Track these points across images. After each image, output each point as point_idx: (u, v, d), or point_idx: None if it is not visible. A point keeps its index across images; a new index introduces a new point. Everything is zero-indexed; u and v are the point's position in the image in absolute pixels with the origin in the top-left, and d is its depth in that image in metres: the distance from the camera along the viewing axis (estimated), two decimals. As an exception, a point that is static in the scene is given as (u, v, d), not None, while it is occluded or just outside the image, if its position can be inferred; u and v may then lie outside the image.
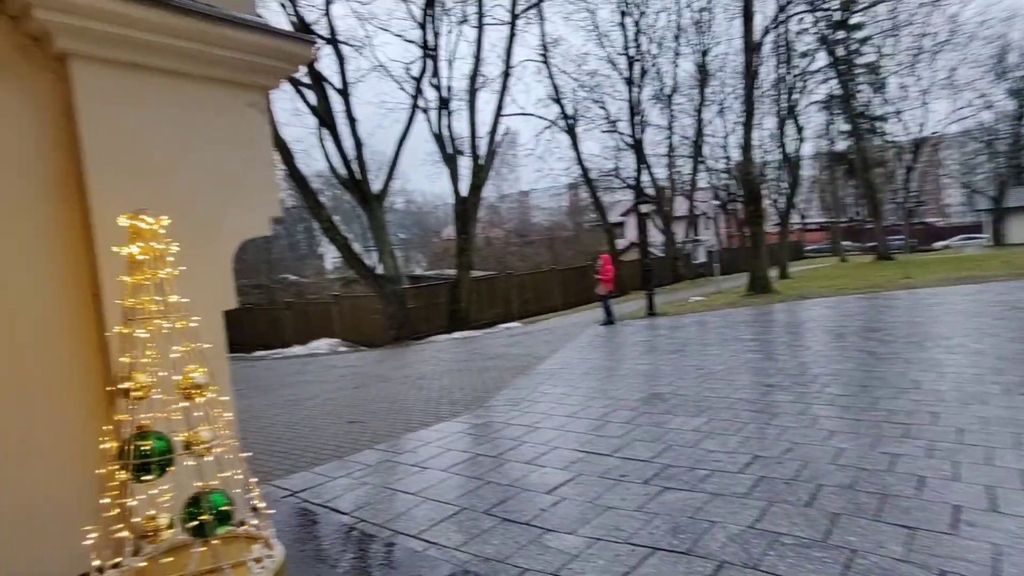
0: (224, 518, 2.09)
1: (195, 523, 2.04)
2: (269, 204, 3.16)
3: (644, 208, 15.43)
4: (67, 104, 2.48)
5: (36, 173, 2.44)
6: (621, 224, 40.15)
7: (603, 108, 26.87)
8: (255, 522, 2.33)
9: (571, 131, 25.67)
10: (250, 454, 2.33)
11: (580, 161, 26.14)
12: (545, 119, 25.64)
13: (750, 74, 16.72)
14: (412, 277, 28.43)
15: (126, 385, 2.02)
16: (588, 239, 36.43)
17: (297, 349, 17.69)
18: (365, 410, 6.78)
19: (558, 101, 25.06)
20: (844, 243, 40.19)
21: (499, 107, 18.11)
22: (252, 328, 21.22)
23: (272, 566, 2.14)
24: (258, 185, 3.11)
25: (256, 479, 2.26)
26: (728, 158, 29.60)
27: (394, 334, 16.53)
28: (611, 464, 3.96)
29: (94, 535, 1.96)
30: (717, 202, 31.29)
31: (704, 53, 27.03)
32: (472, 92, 17.85)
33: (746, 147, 17.22)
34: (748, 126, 16.99)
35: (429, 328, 17.58)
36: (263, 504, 2.26)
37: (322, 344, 17.64)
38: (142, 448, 1.99)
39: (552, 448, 4.46)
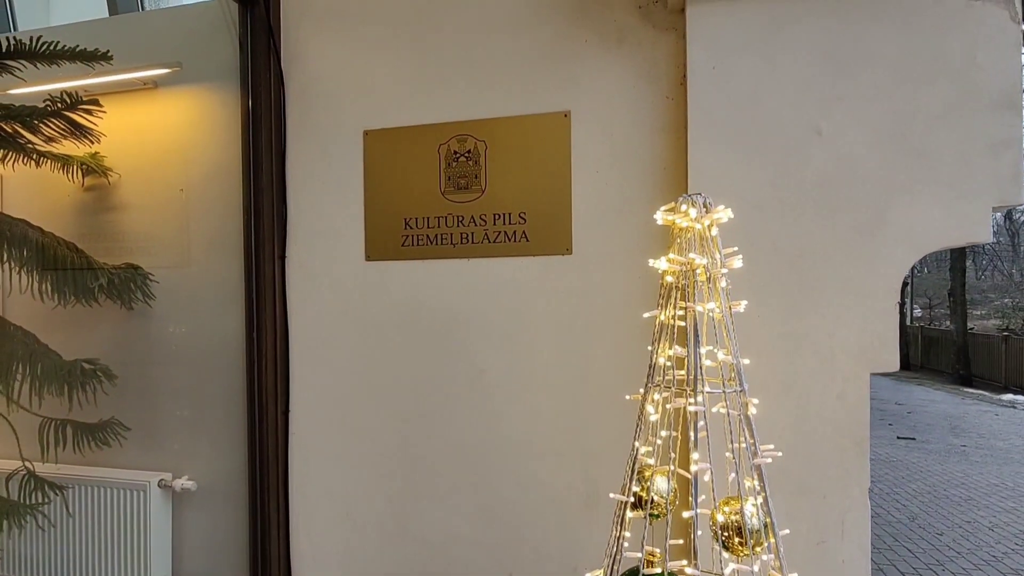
0: None
1: None
2: (999, 182, 1.66)
3: None
4: (684, 71, 1.88)
5: (645, 163, 1.95)
6: None
7: None
8: None
9: None
10: None
11: None
12: None
13: None
14: None
15: (635, 492, 1.22)
16: None
17: (1074, 404, 12.54)
18: None
19: None
20: None
21: None
22: (1008, 362, 16.66)
23: None
24: (975, 147, 1.66)
25: None
26: None
27: None
28: None
29: None
30: None
31: None
32: None
33: None
34: None
35: None
36: None
37: (1123, 407, 11.81)
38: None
39: None
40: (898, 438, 8.15)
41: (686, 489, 1.30)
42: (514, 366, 2.04)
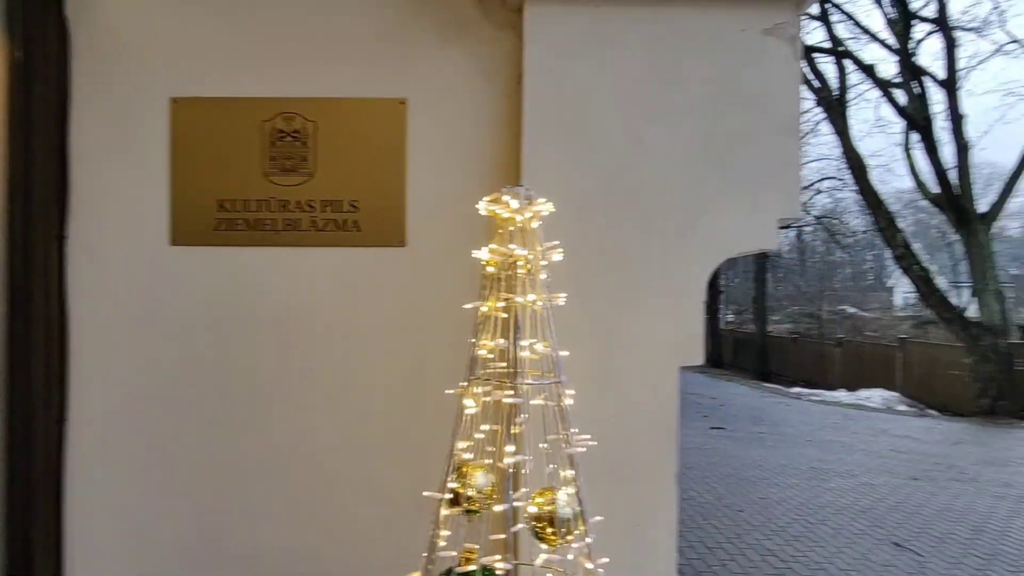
0: None
1: None
2: (783, 199, 1.89)
3: None
4: (521, 69, 1.90)
5: (481, 158, 1.95)
6: None
7: None
8: None
9: None
10: None
11: None
12: None
13: None
14: (1025, 328, 20.52)
15: (452, 487, 1.19)
16: None
17: (842, 395, 15.06)
18: (923, 529, 4.49)
19: None
20: None
21: None
22: (796, 360, 19.58)
23: None
24: (765, 167, 1.88)
25: None
26: None
27: (988, 404, 11.88)
28: None
29: None
30: None
31: None
32: None
33: None
34: None
35: (1052, 407, 11.87)
36: None
37: (874, 396, 14.41)
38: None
39: None
40: (711, 428, 9.17)
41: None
42: (343, 363, 1.92)
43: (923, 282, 13.19)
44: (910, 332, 20.37)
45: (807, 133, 20.44)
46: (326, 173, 1.90)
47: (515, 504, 1.21)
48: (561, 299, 1.25)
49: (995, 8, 15.85)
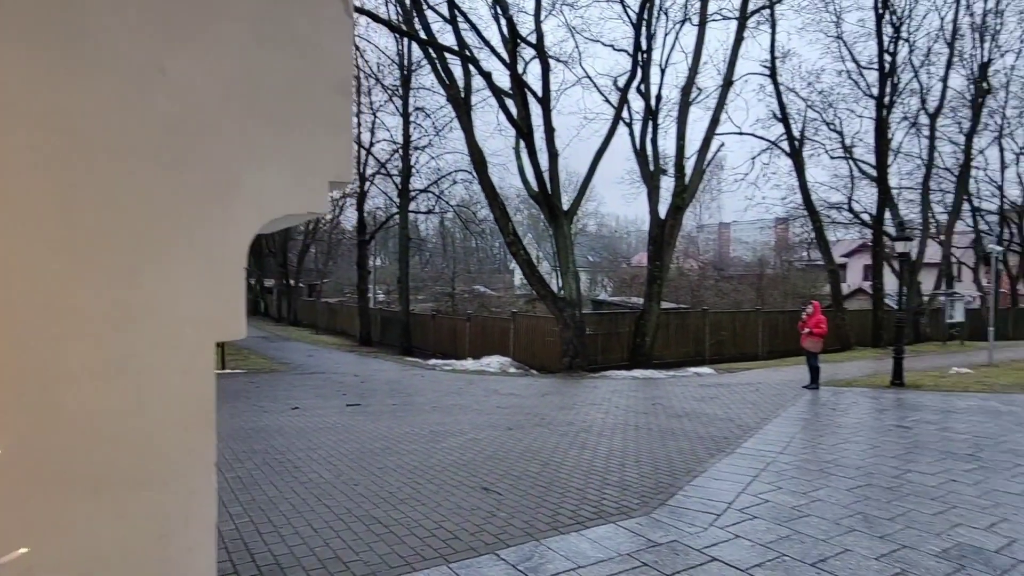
0: None
1: None
2: (335, 160, 1.80)
3: (903, 247, 11.82)
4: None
5: None
6: (843, 266, 34.65)
7: (836, 131, 23.26)
8: None
9: (796, 154, 22.18)
10: None
11: (804, 189, 22.45)
12: (765, 139, 22.55)
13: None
14: (595, 302, 27.01)
15: None
16: (799, 280, 31.61)
17: (469, 363, 17.17)
18: (508, 471, 5.30)
19: (784, 120, 21.83)
20: None
21: (714, 121, 15.87)
22: (434, 335, 21.46)
23: None
24: (318, 125, 1.76)
25: None
26: (1004, 196, 25.74)
27: (568, 362, 15.11)
28: None
29: None
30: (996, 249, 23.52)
31: (985, 66, 22.25)
32: (684, 104, 15.89)
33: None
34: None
35: (607, 360, 15.85)
36: None
37: (493, 362, 16.86)
38: None
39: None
40: (347, 406, 9.20)
41: None
42: None
43: (527, 265, 15.88)
44: (524, 308, 24.52)
45: (443, 127, 22.37)
46: None
47: None
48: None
49: (576, 47, 20.00)
